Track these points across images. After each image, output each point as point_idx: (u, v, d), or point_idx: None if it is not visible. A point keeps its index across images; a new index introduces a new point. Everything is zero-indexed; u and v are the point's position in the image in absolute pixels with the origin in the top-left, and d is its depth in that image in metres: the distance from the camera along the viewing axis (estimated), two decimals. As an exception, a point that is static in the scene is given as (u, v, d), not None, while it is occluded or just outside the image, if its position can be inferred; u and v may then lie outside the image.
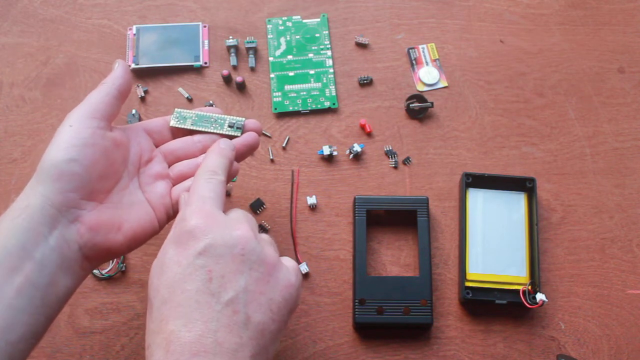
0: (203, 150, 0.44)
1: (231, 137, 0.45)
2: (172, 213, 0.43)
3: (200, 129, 0.45)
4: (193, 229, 0.35)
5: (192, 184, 0.40)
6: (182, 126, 0.45)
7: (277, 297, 0.36)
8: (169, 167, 0.45)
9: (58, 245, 0.36)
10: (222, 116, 0.46)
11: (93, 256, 0.39)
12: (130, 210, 0.41)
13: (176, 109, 0.46)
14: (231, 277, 0.34)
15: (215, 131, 0.45)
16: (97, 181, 0.39)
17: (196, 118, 0.45)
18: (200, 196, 0.38)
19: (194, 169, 0.43)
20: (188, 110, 0.46)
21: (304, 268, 0.52)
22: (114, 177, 0.41)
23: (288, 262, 0.39)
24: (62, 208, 0.37)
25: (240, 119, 0.46)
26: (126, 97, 0.43)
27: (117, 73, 0.43)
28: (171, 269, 0.34)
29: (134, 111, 0.57)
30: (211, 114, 0.46)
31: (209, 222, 0.36)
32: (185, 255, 0.35)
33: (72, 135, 0.38)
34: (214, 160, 0.41)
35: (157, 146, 0.45)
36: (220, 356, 0.32)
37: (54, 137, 0.39)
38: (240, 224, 0.37)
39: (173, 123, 0.45)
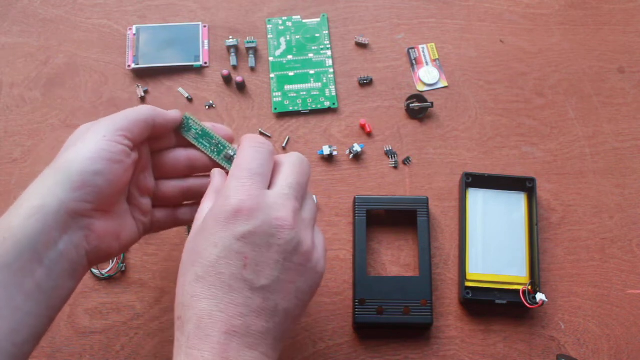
0: (188, 168, 0.44)
1: (223, 169, 0.43)
2: (149, 228, 0.44)
3: (199, 146, 0.44)
4: (235, 210, 0.35)
5: (238, 153, 0.38)
6: (185, 136, 0.44)
7: (304, 286, 0.36)
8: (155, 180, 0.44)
9: (67, 251, 0.36)
10: (224, 142, 0.44)
11: (94, 261, 0.39)
12: (125, 219, 0.41)
13: (186, 114, 0.44)
14: (265, 266, 0.35)
15: (211, 155, 0.44)
16: (113, 195, 0.39)
17: (200, 132, 0.44)
18: (249, 170, 0.37)
19: (177, 193, 0.44)
20: (196, 120, 0.44)
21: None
22: (124, 191, 0.41)
23: (319, 241, 0.38)
24: (76, 215, 0.36)
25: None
26: (151, 138, 0.42)
27: (169, 114, 0.42)
28: (208, 248, 0.35)
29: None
30: (214, 135, 0.44)
31: (252, 204, 0.35)
32: (222, 237, 0.34)
33: (103, 148, 0.37)
34: (259, 136, 0.40)
35: (156, 137, 0.44)
36: (248, 337, 0.33)
37: (82, 138, 0.38)
38: (284, 205, 0.36)
39: (180, 129, 0.44)
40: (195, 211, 0.39)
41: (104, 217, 0.39)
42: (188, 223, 0.46)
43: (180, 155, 0.44)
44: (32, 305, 0.35)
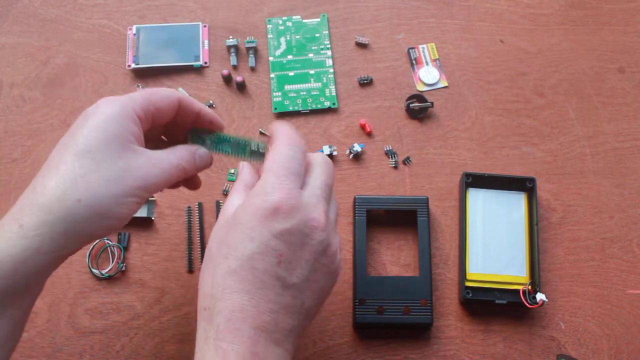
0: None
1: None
2: None
3: (221, 153, 0.43)
4: (275, 207, 0.35)
5: (273, 149, 0.38)
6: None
7: (326, 286, 0.38)
8: None
9: (49, 269, 0.36)
10: (241, 140, 0.43)
11: None
12: None
13: (191, 133, 0.43)
14: (297, 265, 0.35)
15: (236, 156, 0.43)
16: None
17: (216, 140, 0.43)
18: (286, 168, 0.36)
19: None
20: (202, 131, 0.43)
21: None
22: None
23: (339, 243, 0.39)
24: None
25: (262, 144, 0.42)
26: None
27: (203, 159, 0.41)
28: (244, 242, 0.35)
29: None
30: (228, 136, 0.43)
31: (292, 203, 0.35)
32: (260, 232, 0.34)
33: (134, 210, 0.37)
34: (292, 131, 0.39)
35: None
36: (276, 333, 0.34)
37: (108, 173, 0.35)
38: (318, 206, 0.36)
39: (191, 141, 0.43)
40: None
41: None
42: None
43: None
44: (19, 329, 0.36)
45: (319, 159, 0.40)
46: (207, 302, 0.35)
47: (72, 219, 0.34)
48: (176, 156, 0.39)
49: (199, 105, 0.42)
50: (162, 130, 0.44)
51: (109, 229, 0.36)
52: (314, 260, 0.36)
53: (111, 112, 0.36)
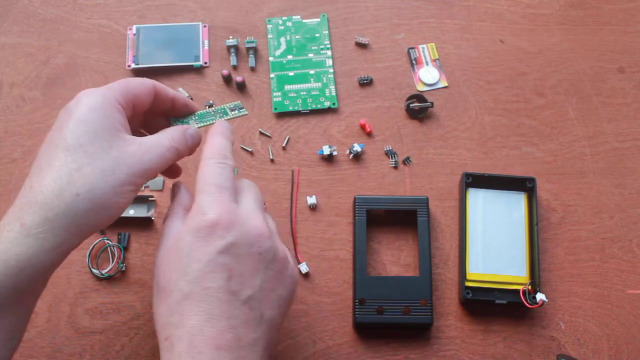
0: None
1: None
2: None
3: (206, 123, 0.44)
4: (214, 224, 0.35)
5: (202, 168, 0.38)
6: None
7: (284, 293, 0.37)
8: None
9: (54, 265, 0.36)
10: (219, 107, 0.45)
11: None
12: None
13: (172, 119, 0.44)
14: (249, 276, 0.35)
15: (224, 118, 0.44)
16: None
17: (197, 117, 0.44)
18: (217, 185, 0.37)
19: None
20: (182, 116, 0.44)
21: (303, 268, 0.52)
22: None
23: (287, 251, 0.39)
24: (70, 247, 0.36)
25: (236, 102, 0.45)
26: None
27: (194, 137, 0.41)
28: (191, 265, 0.35)
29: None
30: (208, 110, 0.44)
31: (230, 217, 0.36)
32: (206, 252, 0.35)
33: (131, 198, 0.37)
34: (221, 143, 0.40)
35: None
36: (240, 350, 0.34)
37: (101, 160, 0.35)
38: (256, 216, 0.37)
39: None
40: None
41: None
42: None
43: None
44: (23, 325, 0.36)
45: (245, 182, 0.40)
46: (166, 332, 0.34)
47: (73, 213, 0.34)
48: (168, 138, 0.39)
49: (173, 92, 0.42)
50: (141, 121, 0.44)
51: (109, 220, 0.36)
52: (264, 269, 0.36)
53: (94, 103, 0.36)
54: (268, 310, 0.36)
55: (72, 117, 0.36)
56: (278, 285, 0.37)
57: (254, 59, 0.60)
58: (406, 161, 0.57)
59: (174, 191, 0.42)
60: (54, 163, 0.35)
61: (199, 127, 0.43)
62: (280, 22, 0.62)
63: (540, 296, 0.49)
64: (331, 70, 0.60)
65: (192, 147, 0.41)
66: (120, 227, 0.53)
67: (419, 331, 0.51)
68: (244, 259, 0.35)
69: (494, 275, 0.52)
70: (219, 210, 0.36)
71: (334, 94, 0.59)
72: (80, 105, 0.36)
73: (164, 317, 0.35)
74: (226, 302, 0.34)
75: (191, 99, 0.59)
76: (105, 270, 0.52)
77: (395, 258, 0.53)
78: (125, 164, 0.36)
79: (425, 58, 0.61)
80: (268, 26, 0.62)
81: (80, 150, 0.35)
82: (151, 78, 0.56)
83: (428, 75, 0.60)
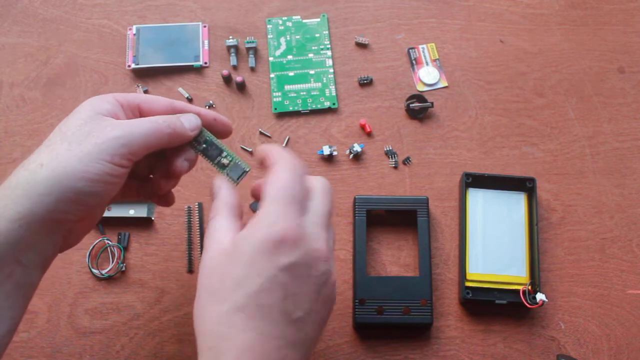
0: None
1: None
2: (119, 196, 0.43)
3: (205, 157, 0.41)
4: (282, 240, 0.33)
5: (275, 174, 0.36)
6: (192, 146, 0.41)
7: (326, 316, 0.37)
8: None
9: (44, 249, 0.36)
10: (228, 152, 0.41)
11: (65, 249, 0.39)
12: (102, 209, 0.42)
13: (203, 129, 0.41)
14: (302, 298, 0.34)
15: (212, 164, 0.41)
16: (102, 207, 0.40)
17: (209, 142, 0.41)
18: (288, 196, 0.35)
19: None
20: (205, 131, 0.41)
21: (304, 268, 0.52)
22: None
23: (336, 274, 0.38)
24: (61, 224, 0.36)
25: (245, 166, 0.42)
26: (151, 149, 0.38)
27: (187, 133, 0.39)
28: (250, 277, 0.33)
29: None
30: (219, 143, 0.41)
31: (297, 234, 0.34)
32: (268, 267, 0.33)
33: (106, 172, 0.35)
34: (292, 156, 0.37)
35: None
36: None
37: (86, 140, 0.35)
38: (321, 235, 0.36)
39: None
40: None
41: (87, 219, 0.39)
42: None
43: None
44: (12, 301, 0.35)
45: (319, 185, 0.38)
46: (211, 340, 0.33)
47: (34, 181, 0.34)
48: (155, 117, 0.38)
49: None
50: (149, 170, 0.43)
51: (77, 194, 0.34)
52: (315, 292, 0.35)
53: (88, 101, 0.38)
54: (311, 332, 0.35)
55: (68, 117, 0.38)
56: (322, 308, 0.36)
57: (254, 59, 0.60)
58: (406, 161, 0.57)
59: (216, 189, 0.40)
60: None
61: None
62: (280, 22, 0.62)
63: (540, 296, 0.49)
64: (331, 70, 0.60)
65: (188, 129, 0.39)
66: (120, 227, 0.53)
67: (419, 331, 0.51)
68: (301, 280, 0.34)
69: (494, 275, 0.52)
70: (286, 225, 0.34)
71: (334, 94, 0.59)
72: (78, 107, 0.38)
73: (210, 323, 0.34)
74: (276, 322, 0.33)
75: (191, 99, 0.59)
76: (105, 271, 0.52)
77: (395, 258, 0.53)
78: (94, 136, 0.35)
79: (425, 58, 0.61)
80: (268, 26, 0.62)
81: (58, 131, 0.37)
82: (151, 78, 0.56)
83: (428, 75, 0.60)
